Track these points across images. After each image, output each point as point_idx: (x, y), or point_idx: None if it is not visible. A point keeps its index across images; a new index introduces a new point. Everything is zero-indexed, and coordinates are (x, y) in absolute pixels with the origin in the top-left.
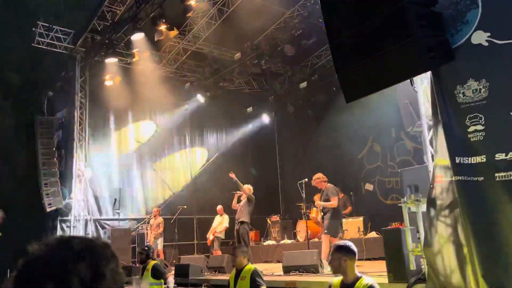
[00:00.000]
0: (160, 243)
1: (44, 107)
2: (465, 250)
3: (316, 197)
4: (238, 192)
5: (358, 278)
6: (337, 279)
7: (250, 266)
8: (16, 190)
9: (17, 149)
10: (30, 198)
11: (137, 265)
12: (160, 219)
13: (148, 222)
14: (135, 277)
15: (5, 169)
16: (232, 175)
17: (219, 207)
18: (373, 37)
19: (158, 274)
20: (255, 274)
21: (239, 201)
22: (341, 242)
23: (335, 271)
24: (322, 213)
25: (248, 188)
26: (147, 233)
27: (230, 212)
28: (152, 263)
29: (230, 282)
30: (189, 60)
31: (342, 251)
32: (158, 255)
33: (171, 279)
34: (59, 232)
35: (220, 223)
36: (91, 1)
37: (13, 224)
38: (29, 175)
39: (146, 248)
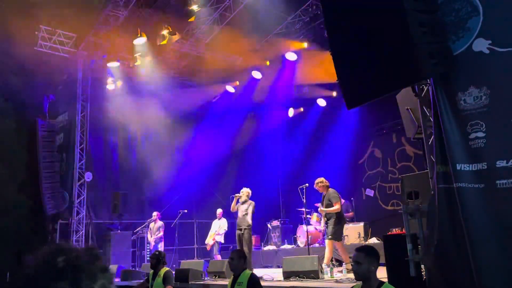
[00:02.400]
0: (160, 247)
1: (46, 110)
2: (468, 256)
3: (319, 204)
4: (237, 195)
5: (381, 284)
6: (358, 286)
7: (248, 272)
8: (17, 193)
9: (18, 152)
10: (31, 201)
11: (137, 269)
12: (160, 223)
13: (148, 226)
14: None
15: (6, 172)
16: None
17: (219, 210)
18: (375, 43)
19: (168, 281)
20: (253, 280)
21: (237, 203)
22: (370, 247)
23: (360, 276)
24: (325, 219)
25: (247, 191)
26: (147, 237)
27: (229, 216)
28: (164, 269)
29: None
30: (191, 64)
31: (373, 256)
32: None
33: None
34: (59, 236)
35: (220, 227)
36: (94, 5)
37: (14, 227)
38: (30, 178)
39: (157, 253)
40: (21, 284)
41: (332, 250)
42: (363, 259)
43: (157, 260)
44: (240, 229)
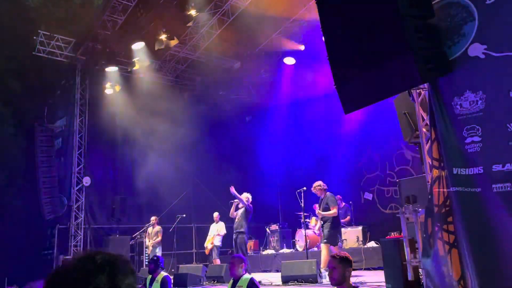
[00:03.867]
0: (158, 251)
1: (44, 115)
2: (465, 260)
3: (316, 206)
4: (235, 200)
5: None
6: None
7: (247, 276)
8: (15, 198)
9: (16, 156)
10: (29, 206)
11: (136, 274)
12: (158, 228)
13: (146, 231)
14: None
15: (4, 176)
16: (232, 189)
17: (216, 214)
18: (372, 49)
19: (164, 287)
20: (252, 284)
21: (236, 209)
22: (343, 254)
23: (337, 283)
24: (321, 222)
25: (246, 197)
26: (145, 242)
27: (227, 220)
28: (162, 275)
29: None
30: (189, 69)
31: (347, 263)
32: None
33: None
34: (57, 240)
35: (218, 230)
36: (92, 10)
37: (12, 231)
38: (28, 183)
39: (155, 258)
40: (60, 277)
41: (328, 253)
42: (337, 265)
43: (155, 265)
44: (235, 233)
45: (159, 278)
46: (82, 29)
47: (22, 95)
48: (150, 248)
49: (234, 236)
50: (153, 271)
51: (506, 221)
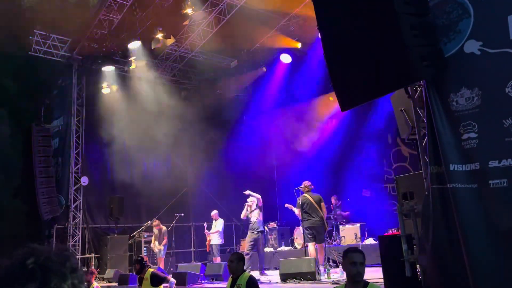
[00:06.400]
0: (163, 252)
1: (41, 115)
2: (462, 256)
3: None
4: (248, 203)
5: (366, 284)
6: (342, 286)
7: (246, 274)
8: (13, 199)
9: (13, 157)
10: (27, 206)
11: (134, 273)
12: (164, 229)
13: (146, 231)
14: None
15: (1, 177)
16: (246, 192)
17: (214, 212)
18: (368, 46)
19: (158, 279)
20: (251, 282)
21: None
22: (359, 249)
23: (361, 277)
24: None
25: (254, 200)
26: (150, 241)
27: (227, 220)
28: (149, 271)
29: None
30: (186, 68)
31: (363, 257)
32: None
33: (173, 280)
34: (56, 241)
35: (215, 228)
36: (88, 9)
37: (9, 232)
38: (26, 183)
39: (139, 258)
40: None
41: (312, 250)
42: (363, 260)
43: (141, 265)
44: (256, 233)
45: (147, 275)
46: (78, 29)
47: (19, 95)
48: (156, 250)
49: (254, 236)
50: (140, 271)
51: (502, 217)
